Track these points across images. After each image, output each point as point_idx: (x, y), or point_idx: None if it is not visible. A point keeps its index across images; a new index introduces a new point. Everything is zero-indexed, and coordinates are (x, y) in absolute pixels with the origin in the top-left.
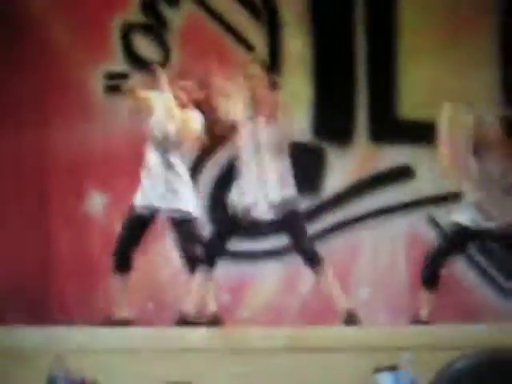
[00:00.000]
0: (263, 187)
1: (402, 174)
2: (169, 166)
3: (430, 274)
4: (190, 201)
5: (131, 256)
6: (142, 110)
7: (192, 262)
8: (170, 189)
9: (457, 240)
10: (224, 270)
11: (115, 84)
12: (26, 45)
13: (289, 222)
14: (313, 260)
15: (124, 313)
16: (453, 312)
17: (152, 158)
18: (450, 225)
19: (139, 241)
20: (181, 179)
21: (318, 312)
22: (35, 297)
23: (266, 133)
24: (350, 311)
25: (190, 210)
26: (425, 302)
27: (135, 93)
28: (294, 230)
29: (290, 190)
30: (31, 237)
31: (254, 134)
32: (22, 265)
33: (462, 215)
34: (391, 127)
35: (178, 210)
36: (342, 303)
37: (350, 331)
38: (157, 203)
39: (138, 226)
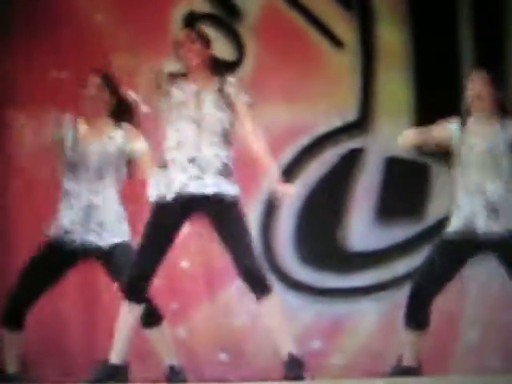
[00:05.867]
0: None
1: None
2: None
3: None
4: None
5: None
6: None
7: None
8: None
9: None
10: (312, 311)
11: None
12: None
13: (226, 226)
14: (259, 286)
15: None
16: None
17: None
18: None
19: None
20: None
21: (424, 356)
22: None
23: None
24: (293, 357)
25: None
26: None
27: None
28: (235, 240)
29: (230, 186)
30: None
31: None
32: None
33: None
34: None
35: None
36: (286, 346)
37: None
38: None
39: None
